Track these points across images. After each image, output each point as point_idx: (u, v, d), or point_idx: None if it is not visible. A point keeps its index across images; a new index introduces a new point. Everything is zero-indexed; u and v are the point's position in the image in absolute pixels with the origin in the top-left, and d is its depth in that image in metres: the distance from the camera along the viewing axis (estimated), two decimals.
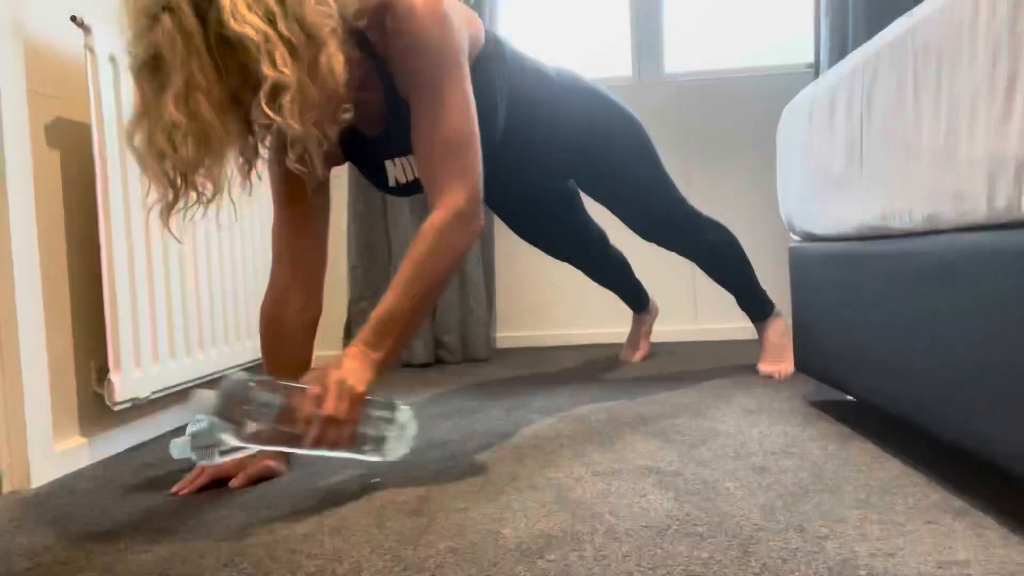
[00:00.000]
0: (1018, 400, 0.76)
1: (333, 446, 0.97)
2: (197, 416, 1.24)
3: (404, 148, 1.25)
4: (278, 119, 0.92)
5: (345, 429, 0.97)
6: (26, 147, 1.20)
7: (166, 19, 0.88)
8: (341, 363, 0.99)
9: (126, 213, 1.35)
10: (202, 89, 0.90)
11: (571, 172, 1.68)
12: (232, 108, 0.94)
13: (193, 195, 0.98)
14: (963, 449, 0.88)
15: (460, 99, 1.11)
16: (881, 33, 1.08)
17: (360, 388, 0.98)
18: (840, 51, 2.24)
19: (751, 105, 2.46)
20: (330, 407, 0.95)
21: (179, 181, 0.96)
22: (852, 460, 1.07)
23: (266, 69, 0.90)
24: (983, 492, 0.91)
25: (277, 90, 0.92)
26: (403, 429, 1.06)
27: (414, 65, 1.09)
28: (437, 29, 1.08)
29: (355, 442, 1.00)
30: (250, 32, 0.89)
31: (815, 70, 2.35)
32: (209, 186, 0.98)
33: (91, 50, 1.28)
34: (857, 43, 2.17)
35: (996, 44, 0.76)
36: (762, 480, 1.00)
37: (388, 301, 1.05)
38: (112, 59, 1.32)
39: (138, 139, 0.94)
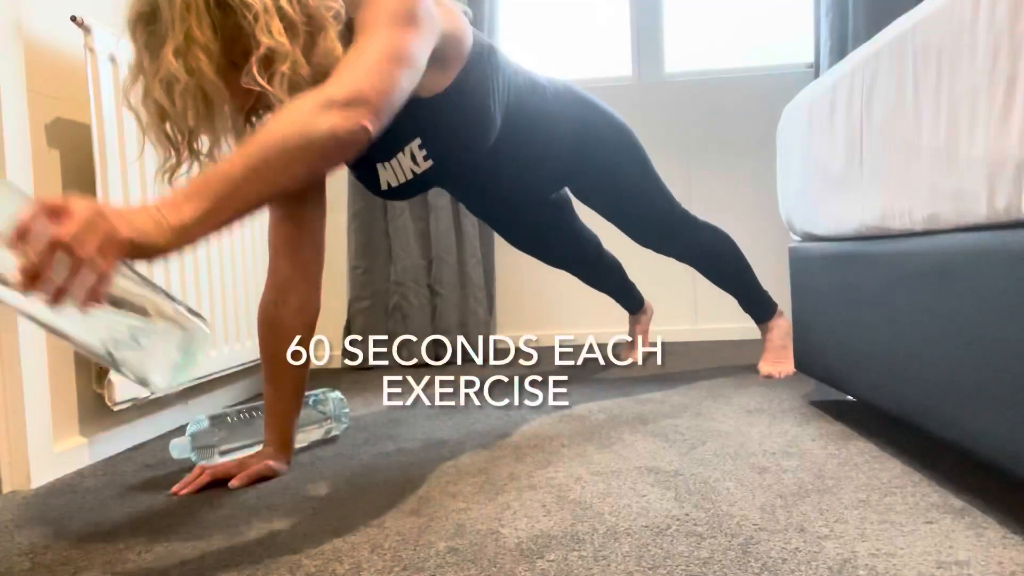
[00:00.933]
0: (1018, 400, 0.76)
1: (59, 297, 0.65)
2: (196, 416, 1.25)
3: (392, 146, 1.24)
4: (268, 87, 0.92)
5: (86, 275, 0.65)
6: (26, 147, 1.20)
7: None
8: (119, 208, 0.71)
9: None
10: (200, 45, 0.89)
11: (563, 181, 1.68)
12: (227, 68, 0.93)
13: (196, 166, 0.98)
14: (963, 449, 0.88)
15: (401, 38, 0.96)
16: (881, 33, 1.08)
17: (123, 233, 0.68)
18: (840, 51, 2.24)
19: (751, 105, 2.46)
20: (68, 231, 0.64)
21: (182, 145, 0.96)
22: (852, 460, 1.07)
23: (262, 36, 0.91)
24: (983, 492, 0.91)
25: (271, 58, 0.92)
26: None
27: (363, 16, 0.97)
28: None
29: (99, 301, 0.67)
30: None
31: (815, 70, 2.35)
32: (209, 162, 0.98)
33: (91, 50, 1.28)
34: (857, 43, 2.17)
35: (996, 44, 0.76)
36: (762, 480, 1.00)
37: (217, 166, 0.81)
38: (112, 59, 1.32)
39: (135, 95, 0.94)
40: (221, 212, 0.76)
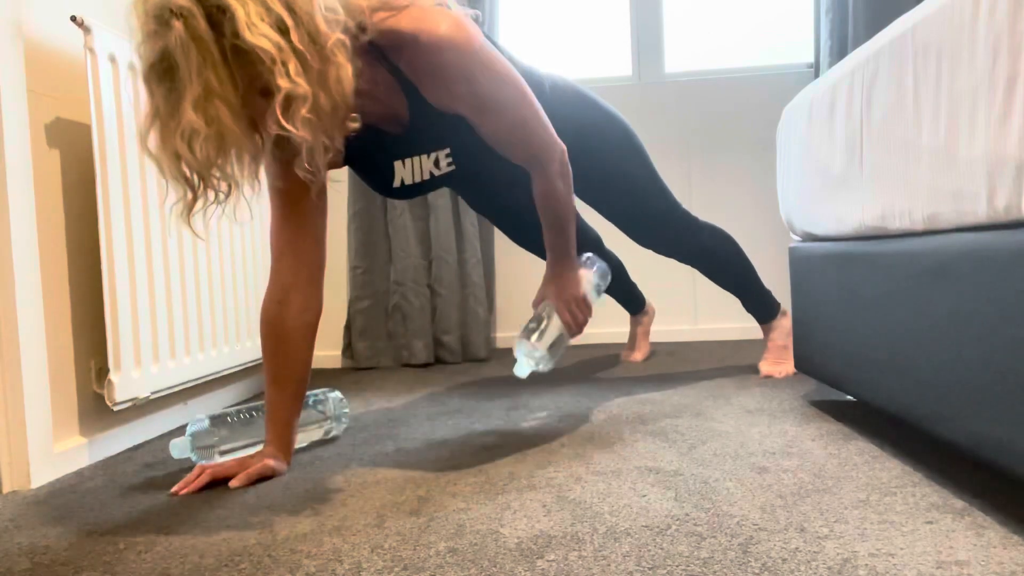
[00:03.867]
0: (1018, 400, 0.76)
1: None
2: (196, 416, 1.25)
3: (418, 149, 1.27)
4: (292, 130, 0.93)
5: (587, 318, 1.37)
6: (26, 147, 1.20)
7: (178, 25, 0.88)
8: (558, 284, 1.37)
9: (126, 213, 1.35)
10: (218, 95, 0.90)
11: None
12: (246, 112, 0.95)
13: (212, 194, 0.99)
14: (963, 449, 0.88)
15: (517, 92, 1.23)
16: (881, 33, 1.08)
17: (580, 292, 1.37)
18: (840, 51, 2.24)
19: (751, 105, 2.46)
20: (580, 316, 1.35)
21: (197, 181, 0.97)
22: (852, 460, 1.07)
23: (280, 80, 0.91)
24: (983, 492, 0.91)
25: (290, 101, 0.93)
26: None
27: (468, 91, 1.17)
28: (474, 51, 1.15)
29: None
30: (266, 44, 0.90)
31: (815, 70, 2.35)
32: (224, 185, 0.99)
33: (91, 50, 1.28)
34: (857, 43, 2.17)
35: (996, 44, 0.76)
36: (762, 480, 1.00)
37: (551, 237, 1.37)
38: (112, 59, 1.32)
39: (153, 143, 0.95)
40: (572, 250, 1.40)
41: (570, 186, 1.34)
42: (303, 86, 0.93)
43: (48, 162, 1.28)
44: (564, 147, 1.30)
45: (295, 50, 0.93)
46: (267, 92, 0.94)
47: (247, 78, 0.93)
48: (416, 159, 1.27)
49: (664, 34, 2.54)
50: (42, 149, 1.26)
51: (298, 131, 0.94)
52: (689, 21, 2.59)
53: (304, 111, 0.93)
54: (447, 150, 1.26)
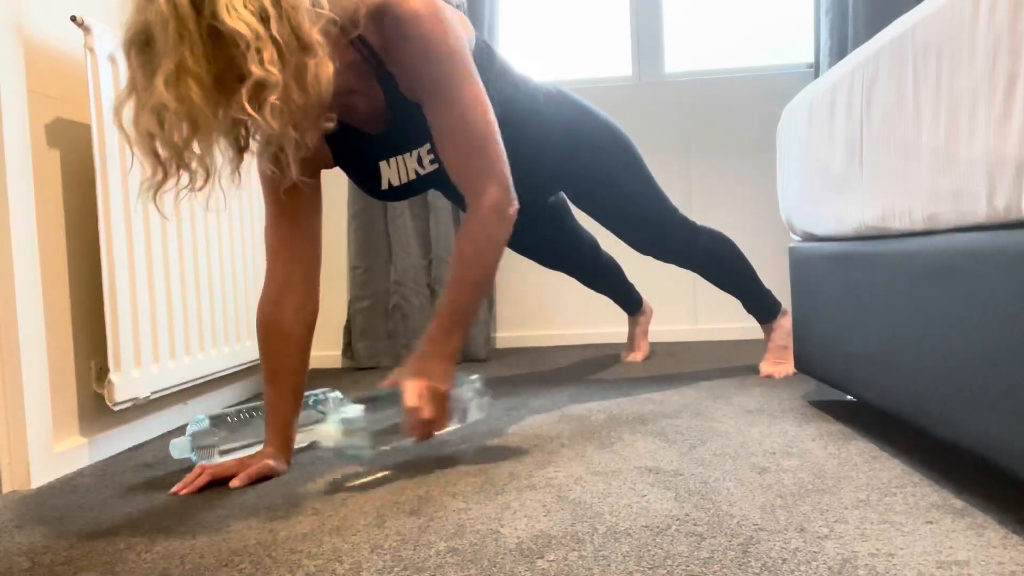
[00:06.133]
0: (1018, 400, 0.76)
1: (430, 438, 1.13)
2: (197, 416, 1.25)
3: (400, 147, 1.25)
4: (256, 116, 0.93)
5: (440, 423, 1.12)
6: (26, 147, 1.20)
7: (161, 0, 0.89)
8: (422, 367, 1.11)
9: (126, 213, 1.35)
10: (192, 74, 0.90)
11: (560, 185, 1.68)
12: (219, 96, 0.94)
13: (184, 177, 0.98)
14: (963, 449, 0.88)
15: (476, 95, 1.15)
16: (881, 33, 1.08)
17: (445, 387, 1.11)
18: (840, 51, 2.24)
19: (751, 105, 2.46)
20: (429, 413, 1.08)
21: (169, 163, 0.96)
22: (852, 460, 1.07)
23: (253, 66, 0.91)
24: (983, 492, 0.91)
25: (260, 88, 0.93)
26: (480, 395, 1.20)
27: (427, 70, 1.12)
28: (442, 32, 1.12)
29: (445, 428, 1.15)
30: (242, 28, 0.90)
31: (815, 70, 2.35)
32: (200, 171, 0.98)
33: (91, 50, 1.28)
34: (857, 43, 2.17)
35: (996, 44, 0.76)
36: (762, 480, 1.00)
37: (448, 299, 1.15)
38: (112, 59, 1.32)
39: (126, 116, 0.95)
40: (466, 329, 1.18)
41: (499, 246, 1.16)
42: (275, 75, 0.92)
43: (48, 162, 1.28)
44: (514, 198, 1.17)
45: (273, 39, 0.93)
46: (244, 79, 0.93)
47: (224, 61, 0.92)
48: (400, 159, 1.25)
49: (664, 34, 2.54)
50: (42, 149, 1.26)
51: (262, 118, 0.93)
52: (689, 21, 2.59)
53: (272, 99, 0.93)
54: (427, 146, 1.22)
